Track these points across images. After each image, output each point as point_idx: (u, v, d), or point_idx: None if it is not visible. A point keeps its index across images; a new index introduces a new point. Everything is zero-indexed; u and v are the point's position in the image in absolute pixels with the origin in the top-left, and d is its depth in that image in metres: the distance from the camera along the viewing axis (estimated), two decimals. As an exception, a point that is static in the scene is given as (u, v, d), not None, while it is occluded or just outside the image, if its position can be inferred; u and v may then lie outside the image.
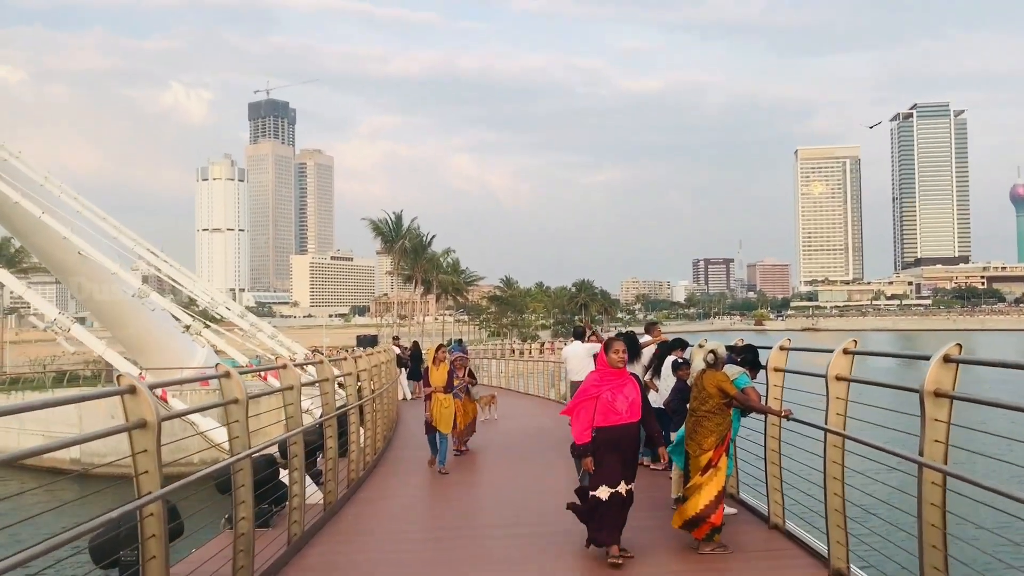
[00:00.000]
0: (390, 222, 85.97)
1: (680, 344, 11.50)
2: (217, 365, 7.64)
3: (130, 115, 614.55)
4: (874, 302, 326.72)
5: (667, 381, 11.18)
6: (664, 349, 11.65)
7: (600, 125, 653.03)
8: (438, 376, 13.26)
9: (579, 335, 14.54)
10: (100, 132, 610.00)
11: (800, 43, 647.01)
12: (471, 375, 15.53)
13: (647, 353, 13.00)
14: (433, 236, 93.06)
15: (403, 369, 26.02)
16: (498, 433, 17.64)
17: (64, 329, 20.39)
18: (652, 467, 12.31)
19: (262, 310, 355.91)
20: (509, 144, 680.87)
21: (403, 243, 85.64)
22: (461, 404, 14.25)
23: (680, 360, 10.26)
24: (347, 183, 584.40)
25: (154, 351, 31.60)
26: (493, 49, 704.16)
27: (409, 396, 26.16)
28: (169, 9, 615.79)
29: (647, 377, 11.97)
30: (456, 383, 14.00)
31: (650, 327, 13.97)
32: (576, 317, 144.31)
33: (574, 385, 13.68)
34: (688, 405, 7.96)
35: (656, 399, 11.89)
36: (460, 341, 41.05)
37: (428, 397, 13.26)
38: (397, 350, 27.32)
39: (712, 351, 7.82)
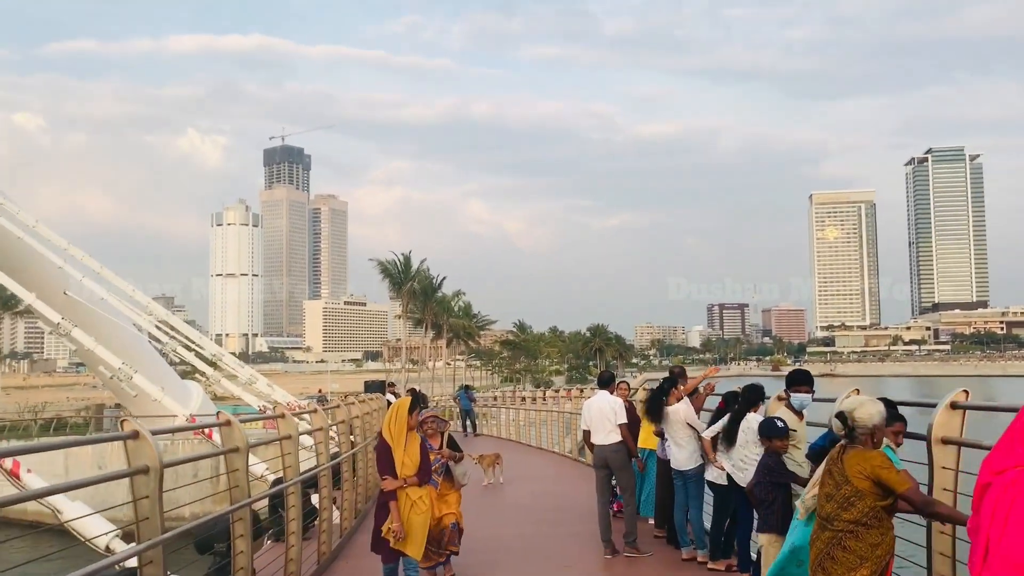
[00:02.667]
0: (399, 264, 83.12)
1: (759, 395, 8.22)
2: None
3: (147, 161, 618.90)
4: (892, 347, 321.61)
5: (744, 450, 7.91)
6: (738, 403, 8.35)
7: (614, 170, 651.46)
8: (408, 458, 7.53)
9: (605, 382, 11.00)
10: (117, 178, 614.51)
11: (813, 88, 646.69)
12: (452, 444, 9.17)
13: (680, 409, 9.67)
14: (443, 278, 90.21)
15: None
16: (501, 509, 14.22)
17: None
18: (712, 566, 8.98)
19: (274, 355, 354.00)
20: (523, 189, 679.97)
21: (412, 285, 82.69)
22: (437, 494, 8.49)
23: (780, 423, 6.93)
24: (361, 228, 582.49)
25: (142, 396, 28.91)
26: (507, 95, 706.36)
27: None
28: (186, 57, 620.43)
29: (709, 439, 8.71)
30: (431, 459, 8.27)
31: (678, 373, 10.56)
32: (591, 363, 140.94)
33: (600, 451, 10.31)
34: (817, 511, 4.71)
35: (719, 474, 8.63)
36: (467, 387, 37.68)
37: (389, 496, 7.53)
38: (392, 398, 24.10)
39: (847, 414, 4.59)
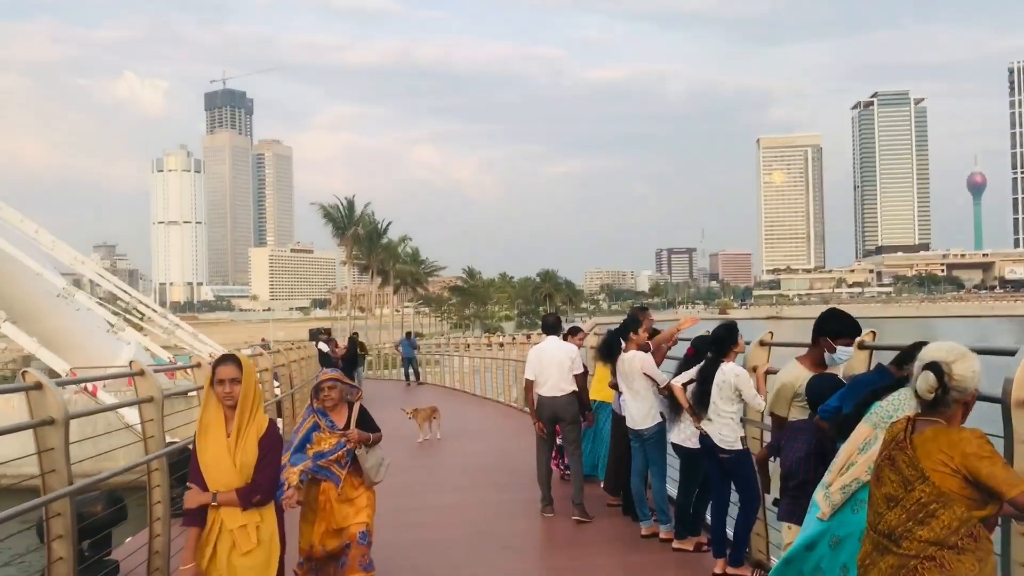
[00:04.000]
0: (341, 208, 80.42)
1: (733, 336, 6.56)
2: None
3: (83, 105, 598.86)
4: (836, 290, 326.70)
5: (720, 407, 6.40)
6: (708, 349, 6.72)
7: (562, 116, 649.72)
8: (233, 456, 4.16)
9: (552, 327, 9.43)
10: (52, 123, 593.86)
11: (759, 33, 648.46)
12: (366, 421, 6.13)
13: (637, 357, 8.11)
14: (389, 223, 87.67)
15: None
16: (434, 471, 12.62)
17: None
18: (677, 545, 7.52)
19: (221, 304, 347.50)
20: (472, 135, 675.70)
21: (356, 230, 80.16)
22: (337, 492, 5.90)
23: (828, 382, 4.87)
24: (307, 174, 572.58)
25: (72, 350, 27.05)
26: (453, 39, 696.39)
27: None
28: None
29: (679, 385, 7.14)
30: (331, 444, 5.91)
31: (639, 312, 8.88)
32: (540, 308, 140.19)
33: (544, 402, 8.82)
34: (870, 523, 3.09)
35: (689, 436, 7.13)
36: (410, 334, 36.03)
37: (190, 519, 4.22)
38: (324, 347, 22.34)
39: (945, 367, 2.93)
